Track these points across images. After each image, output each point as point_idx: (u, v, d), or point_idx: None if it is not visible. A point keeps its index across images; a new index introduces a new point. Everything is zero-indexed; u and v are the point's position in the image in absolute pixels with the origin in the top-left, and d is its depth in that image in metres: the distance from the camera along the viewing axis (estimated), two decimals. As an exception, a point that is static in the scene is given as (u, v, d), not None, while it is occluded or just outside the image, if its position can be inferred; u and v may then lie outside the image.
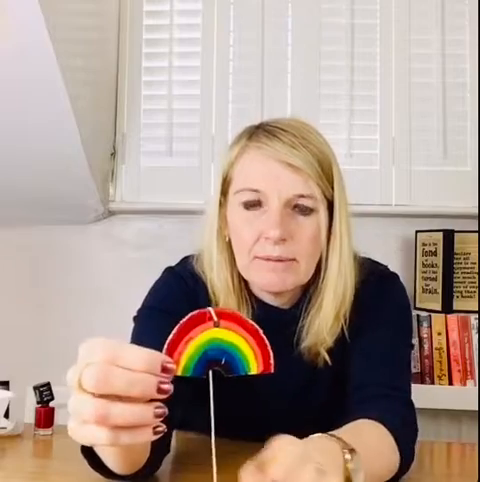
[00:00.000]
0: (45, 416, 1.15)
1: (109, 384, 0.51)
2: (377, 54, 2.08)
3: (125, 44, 2.14)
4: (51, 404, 1.17)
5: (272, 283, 0.96)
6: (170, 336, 0.52)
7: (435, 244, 1.93)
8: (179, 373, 0.53)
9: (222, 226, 1.02)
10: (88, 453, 0.78)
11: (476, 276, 1.93)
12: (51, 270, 2.14)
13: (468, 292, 1.94)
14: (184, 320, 0.53)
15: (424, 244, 1.98)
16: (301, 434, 0.93)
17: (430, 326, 1.90)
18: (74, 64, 1.76)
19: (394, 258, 2.03)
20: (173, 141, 2.12)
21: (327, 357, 1.01)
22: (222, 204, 1.02)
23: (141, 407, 0.52)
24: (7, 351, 2.02)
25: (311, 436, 0.70)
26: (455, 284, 1.93)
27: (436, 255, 1.93)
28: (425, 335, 1.90)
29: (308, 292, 1.03)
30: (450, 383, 1.87)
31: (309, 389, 1.08)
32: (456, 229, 1.93)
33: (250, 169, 0.97)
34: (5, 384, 1.28)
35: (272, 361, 0.55)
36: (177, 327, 0.52)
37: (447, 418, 1.97)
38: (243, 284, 1.04)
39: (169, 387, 0.52)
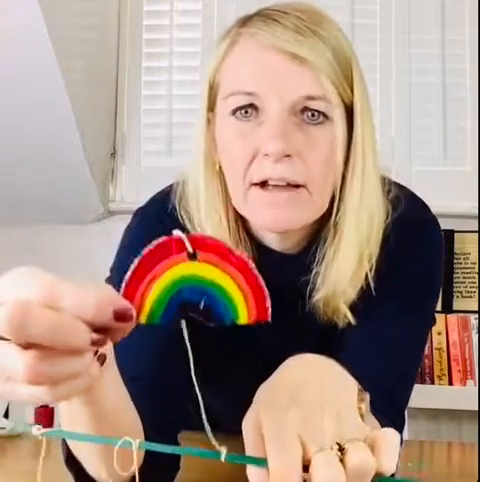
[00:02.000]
0: (45, 416, 1.15)
1: (26, 328, 0.38)
2: (377, 54, 2.08)
3: (125, 44, 2.14)
4: (51, 404, 1.17)
5: (274, 220, 0.73)
6: (128, 273, 0.39)
7: (435, 244, 1.93)
8: (143, 321, 0.40)
9: (211, 149, 0.77)
10: (73, 465, 0.63)
11: (476, 276, 1.93)
12: (51, 270, 2.13)
13: (468, 292, 1.93)
14: (147, 250, 0.39)
15: (424, 244, 1.97)
16: None
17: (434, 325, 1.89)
18: (74, 64, 1.76)
19: (394, 258, 2.02)
20: (173, 141, 2.12)
21: (349, 314, 0.78)
22: (210, 122, 0.78)
23: (81, 359, 0.41)
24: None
25: (326, 362, 0.53)
26: (455, 284, 1.92)
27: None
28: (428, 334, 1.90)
29: (322, 232, 0.79)
30: (450, 383, 1.87)
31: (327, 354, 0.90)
32: (456, 229, 1.93)
33: (241, 65, 0.73)
34: (5, 384, 1.28)
35: (269, 305, 0.40)
36: (137, 260, 0.39)
37: (447, 418, 1.97)
38: (240, 223, 0.79)
39: (99, 337, 0.40)
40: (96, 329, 0.40)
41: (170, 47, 2.14)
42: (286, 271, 0.80)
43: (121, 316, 0.39)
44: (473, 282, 1.93)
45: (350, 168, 0.75)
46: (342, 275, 0.76)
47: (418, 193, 0.94)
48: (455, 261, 1.93)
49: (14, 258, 2.32)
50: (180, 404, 0.79)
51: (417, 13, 2.08)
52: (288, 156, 0.70)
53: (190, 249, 0.38)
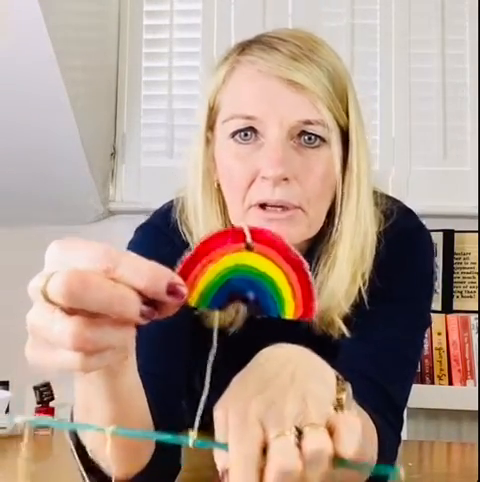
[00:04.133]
0: (45, 416, 1.15)
1: (84, 297, 0.39)
2: (377, 54, 2.08)
3: (125, 44, 2.14)
4: (51, 404, 1.17)
5: None
6: (186, 255, 0.41)
7: (435, 244, 1.93)
8: (193, 303, 0.41)
9: (210, 169, 0.81)
10: (81, 454, 0.63)
11: (476, 276, 1.93)
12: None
13: (468, 292, 1.93)
14: (207, 237, 0.41)
15: (424, 244, 1.97)
16: None
17: (430, 326, 1.89)
18: (74, 64, 1.76)
19: (394, 258, 2.02)
20: (173, 141, 2.12)
21: (343, 327, 0.81)
22: (209, 141, 0.81)
23: (125, 330, 0.42)
24: (7, 351, 2.01)
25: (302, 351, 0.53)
26: (455, 284, 1.92)
27: (436, 255, 1.93)
28: (425, 335, 1.90)
29: (317, 248, 0.82)
30: (450, 383, 1.87)
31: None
32: (456, 229, 1.93)
33: (241, 90, 0.77)
34: (5, 384, 1.28)
35: (315, 305, 0.41)
36: (197, 245, 0.41)
37: (447, 418, 1.97)
38: None
39: (148, 309, 0.41)
40: (145, 303, 0.40)
41: (170, 47, 2.14)
42: None
43: (173, 291, 0.40)
44: (473, 282, 1.93)
45: (346, 189, 0.79)
46: (336, 291, 0.79)
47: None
48: (455, 261, 1.93)
49: (14, 258, 2.32)
50: (180, 400, 0.81)
51: (417, 13, 2.08)
52: (286, 180, 0.74)
53: (249, 239, 0.39)
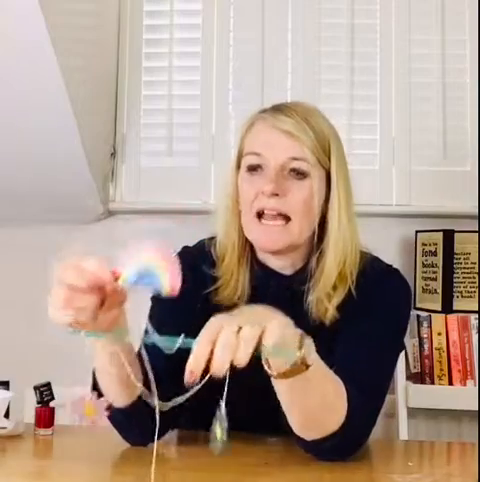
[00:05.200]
0: (45, 416, 1.15)
1: (65, 274, 0.80)
2: (377, 54, 2.08)
3: (125, 44, 2.14)
4: (51, 404, 1.17)
5: (266, 241, 1.12)
6: (116, 269, 0.82)
7: (435, 244, 1.93)
8: (120, 282, 0.81)
9: (235, 194, 1.16)
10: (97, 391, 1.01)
11: (476, 276, 1.93)
12: (51, 270, 2.13)
13: (468, 292, 1.93)
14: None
15: (424, 244, 1.97)
16: None
17: (430, 326, 1.89)
18: (74, 64, 1.76)
19: (394, 258, 2.02)
20: (173, 141, 2.12)
21: (335, 312, 1.09)
22: (237, 175, 1.16)
23: (90, 297, 0.80)
24: (7, 351, 2.01)
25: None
26: (455, 284, 1.92)
27: (436, 255, 1.93)
28: (425, 335, 1.90)
29: (311, 257, 1.15)
30: (450, 383, 1.87)
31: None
32: (456, 229, 1.93)
33: (256, 137, 1.14)
34: (5, 384, 1.28)
35: (177, 286, 0.80)
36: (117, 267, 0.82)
37: (447, 418, 1.97)
38: (248, 247, 1.17)
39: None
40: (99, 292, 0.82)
41: (170, 47, 2.14)
42: (278, 286, 1.15)
43: (114, 273, 0.80)
44: (473, 282, 1.93)
45: (329, 214, 1.12)
46: (327, 284, 1.11)
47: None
48: (455, 261, 1.93)
49: (14, 258, 2.31)
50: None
51: (417, 13, 2.08)
52: (276, 195, 1.08)
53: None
